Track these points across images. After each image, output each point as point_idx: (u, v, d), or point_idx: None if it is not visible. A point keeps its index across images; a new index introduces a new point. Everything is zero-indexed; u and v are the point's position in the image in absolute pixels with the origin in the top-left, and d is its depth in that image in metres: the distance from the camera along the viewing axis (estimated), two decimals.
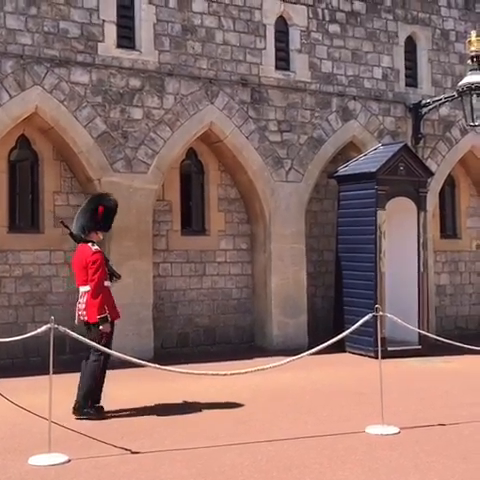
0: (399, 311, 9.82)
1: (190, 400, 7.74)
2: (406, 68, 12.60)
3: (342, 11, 11.90)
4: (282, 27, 11.54)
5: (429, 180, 11.80)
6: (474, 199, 13.91)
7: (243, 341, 11.46)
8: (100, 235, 7.34)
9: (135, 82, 10.39)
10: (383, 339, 9.98)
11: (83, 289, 7.11)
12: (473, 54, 11.34)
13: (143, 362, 6.18)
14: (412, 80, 12.70)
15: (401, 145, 11.30)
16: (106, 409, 7.06)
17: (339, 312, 11.24)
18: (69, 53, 9.96)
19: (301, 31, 11.58)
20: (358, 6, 12.04)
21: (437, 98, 12.26)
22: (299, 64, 11.55)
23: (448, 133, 12.91)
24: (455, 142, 12.99)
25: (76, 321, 7.21)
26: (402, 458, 5.58)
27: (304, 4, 11.59)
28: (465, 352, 8.37)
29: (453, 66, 12.93)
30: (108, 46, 10.22)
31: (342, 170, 11.67)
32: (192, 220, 11.44)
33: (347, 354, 10.71)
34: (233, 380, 7.75)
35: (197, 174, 11.48)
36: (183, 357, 10.04)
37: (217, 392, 8.03)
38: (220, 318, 11.37)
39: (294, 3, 11.51)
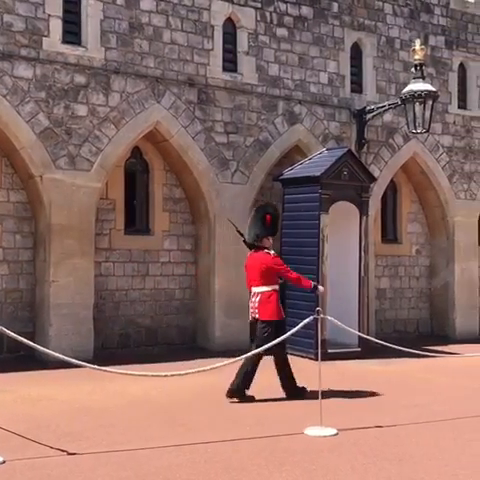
0: (340, 314, 9.93)
1: (129, 401, 7.67)
2: (351, 74, 12.75)
3: (290, 15, 11.98)
4: (230, 29, 11.54)
5: (372, 185, 11.97)
6: (415, 205, 14.17)
7: (185, 342, 11.43)
8: (270, 240, 8.15)
9: (80, 78, 10.25)
10: (323, 341, 10.06)
11: (257, 290, 7.94)
12: (417, 62, 11.55)
13: (81, 362, 6.09)
14: (357, 86, 12.86)
15: (345, 150, 11.43)
16: (47, 410, 6.95)
17: None
18: (13, 47, 9.76)
19: (249, 34, 11.61)
20: (306, 11, 12.14)
21: (381, 105, 12.44)
22: (246, 66, 11.58)
23: (391, 139, 13.13)
24: (398, 148, 13.22)
25: (250, 318, 8.05)
26: (339, 460, 5.63)
27: (252, 7, 11.62)
28: (403, 355, 8.50)
29: (397, 73, 13.15)
30: (53, 41, 10.05)
31: (287, 173, 11.74)
32: (136, 219, 11.35)
33: (288, 356, 10.73)
34: (173, 381, 7.71)
35: (142, 173, 11.40)
36: (124, 358, 9.95)
37: (157, 393, 7.98)
38: (162, 319, 11.31)
39: (242, 5, 11.53)
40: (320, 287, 8.53)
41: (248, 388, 7.78)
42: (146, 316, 11.17)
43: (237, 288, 11.32)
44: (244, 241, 8.28)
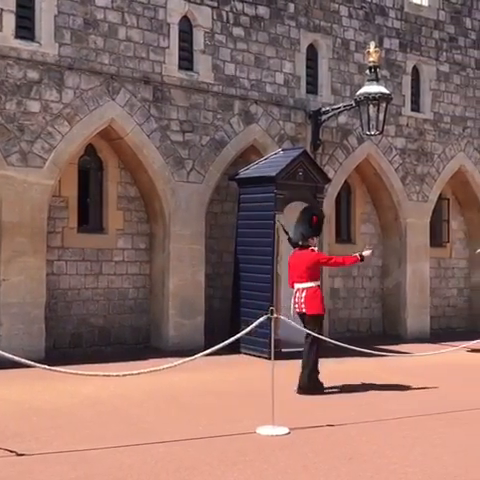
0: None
1: (81, 401, 7.59)
2: (307, 75, 12.81)
3: (246, 15, 11.99)
4: (186, 27, 11.50)
5: (326, 186, 12.07)
6: (368, 206, 14.33)
7: (139, 342, 11.34)
8: (315, 240, 8.67)
9: (33, 74, 10.08)
10: (277, 341, 10.10)
11: (301, 286, 8.44)
12: (371, 65, 11.69)
13: (32, 363, 5.99)
14: (312, 87, 12.94)
15: (300, 151, 11.49)
16: None
17: (236, 314, 11.31)
18: None
19: (205, 32, 11.58)
20: (262, 11, 12.16)
21: (336, 106, 12.54)
22: (202, 65, 11.55)
23: (345, 141, 13.25)
24: (352, 150, 13.34)
25: (292, 313, 8.50)
26: (291, 459, 5.66)
27: (209, 6, 11.60)
28: (356, 354, 8.58)
29: (352, 75, 13.27)
30: (6, 36, 9.87)
31: (243, 173, 11.76)
32: (89, 218, 11.22)
33: (242, 355, 10.79)
34: (126, 381, 7.64)
35: (96, 171, 11.28)
36: (76, 358, 9.83)
37: (109, 393, 7.91)
38: (115, 318, 11.21)
39: (199, 4, 11.50)
40: (366, 253, 8.89)
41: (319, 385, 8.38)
42: (99, 315, 11.05)
43: (192, 288, 11.32)
44: (289, 239, 8.93)
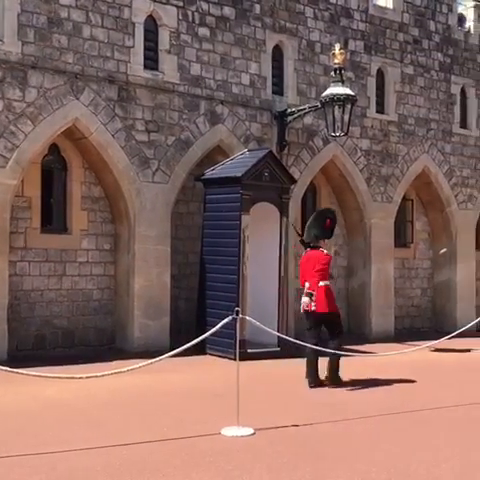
0: (260, 314, 10.01)
1: (43, 404, 7.49)
2: (273, 76, 12.84)
3: (212, 15, 11.97)
4: (152, 27, 11.44)
5: (292, 187, 12.10)
6: (334, 206, 14.16)
7: (103, 343, 11.25)
8: (326, 242, 9.03)
9: None
10: (243, 341, 10.13)
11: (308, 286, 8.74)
12: (336, 66, 11.75)
13: None
14: (278, 88, 12.97)
15: (266, 152, 11.50)
16: None
17: (202, 314, 11.28)
18: None
19: (171, 32, 11.53)
20: (228, 11, 12.15)
21: (301, 107, 12.59)
22: (168, 65, 11.50)
23: (311, 142, 13.30)
24: (317, 151, 13.40)
25: (301, 310, 8.90)
26: (255, 459, 5.65)
27: (174, 5, 11.55)
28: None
29: (318, 77, 13.33)
30: None
31: (209, 173, 11.73)
32: (53, 218, 11.10)
33: (208, 356, 10.76)
34: (90, 383, 7.56)
35: (60, 170, 11.16)
36: (39, 360, 9.70)
37: (72, 395, 7.82)
38: (80, 320, 11.10)
39: (164, 3, 11.44)
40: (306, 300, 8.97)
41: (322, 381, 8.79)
42: (63, 317, 10.94)
43: (157, 288, 11.26)
44: (301, 240, 9.29)
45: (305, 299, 8.75)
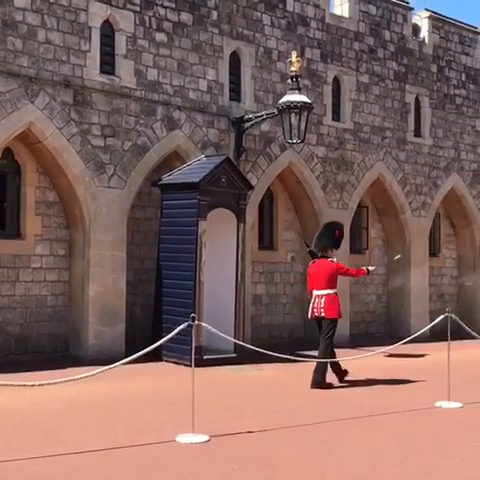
0: (217, 320, 10.00)
1: None
2: (230, 82, 12.87)
3: (169, 21, 11.94)
4: (108, 31, 11.36)
5: (249, 193, 12.12)
6: (290, 213, 14.50)
7: (57, 350, 11.10)
8: (334, 251, 9.55)
9: None
10: (199, 348, 10.10)
11: (320, 293, 9.28)
12: (293, 74, 11.83)
13: None
14: (236, 95, 13.00)
15: (223, 158, 11.52)
16: None
17: (158, 321, 11.21)
18: None
19: (127, 37, 11.47)
20: (185, 17, 12.14)
21: (259, 114, 12.64)
22: (124, 70, 11.43)
23: (268, 149, 13.36)
24: (274, 158, 13.47)
25: (309, 316, 9.46)
26: (210, 466, 5.63)
27: (131, 10, 11.50)
28: (277, 360, 8.62)
29: (274, 84, 13.40)
30: None
31: (166, 179, 11.69)
32: (6, 223, 10.92)
33: (164, 363, 10.70)
34: (43, 391, 7.44)
35: (13, 175, 10.98)
36: None
37: (25, 403, 7.70)
38: (33, 326, 10.93)
39: (121, 8, 11.38)
40: (371, 268, 9.97)
41: (345, 374, 9.42)
42: (16, 324, 10.76)
43: (112, 295, 11.16)
44: (309, 251, 9.74)
45: (313, 306, 9.35)
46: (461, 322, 9.32)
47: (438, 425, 7.26)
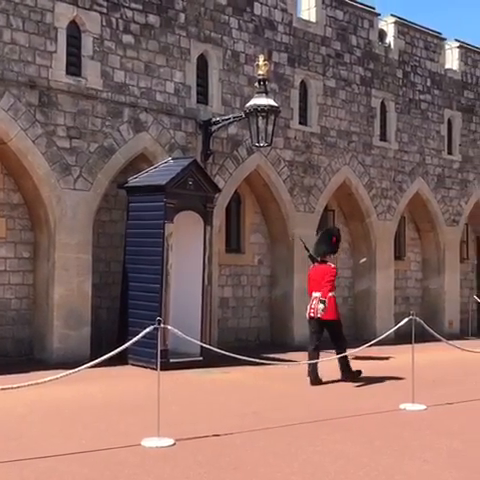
0: (183, 323, 9.98)
1: None
2: (198, 85, 12.86)
3: (136, 23, 11.89)
4: (75, 32, 11.28)
5: (216, 196, 12.12)
6: (258, 216, 14.53)
7: (21, 354, 10.96)
8: (332, 257, 10.18)
9: None
10: (165, 351, 10.08)
11: (319, 295, 9.75)
12: (260, 78, 11.86)
13: None
14: (203, 97, 12.99)
15: (191, 160, 11.50)
16: None
17: (123, 324, 11.13)
18: None
19: (94, 38, 11.39)
20: (152, 19, 12.10)
21: (226, 117, 12.64)
22: (91, 71, 11.35)
23: (236, 152, 13.37)
24: (242, 161, 13.49)
25: (307, 317, 9.97)
26: (175, 470, 5.61)
27: (98, 12, 11.43)
28: (243, 363, 8.63)
29: (242, 87, 13.43)
30: None
31: (132, 181, 11.63)
32: None
33: (130, 366, 10.63)
34: (6, 395, 7.30)
35: None
36: None
37: None
38: None
39: (88, 9, 11.30)
40: (362, 260, 10.87)
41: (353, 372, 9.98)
42: None
43: (78, 298, 11.07)
44: (310, 255, 10.34)
45: (320, 305, 9.70)
46: (425, 325, 9.42)
47: (402, 427, 7.32)
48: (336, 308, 9.99)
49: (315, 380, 9.66)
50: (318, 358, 9.77)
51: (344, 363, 9.94)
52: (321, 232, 10.78)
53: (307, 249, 10.62)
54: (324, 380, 9.74)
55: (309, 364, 9.68)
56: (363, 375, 10.21)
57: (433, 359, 11.91)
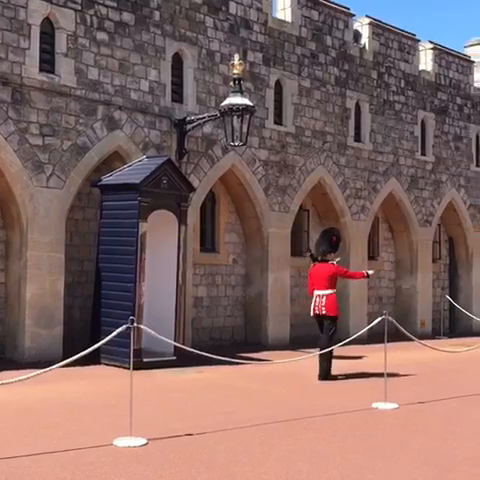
0: (157, 322, 9.97)
1: None
2: (173, 84, 12.82)
3: (111, 20, 11.82)
4: (48, 29, 11.17)
5: (191, 195, 12.09)
6: (232, 215, 14.53)
7: None
8: (332, 255, 10.50)
9: None
10: (139, 350, 10.04)
11: (322, 292, 10.24)
12: (235, 77, 11.85)
13: None
14: (178, 96, 12.95)
15: (165, 159, 11.45)
16: None
17: (96, 323, 11.05)
18: None
19: (68, 35, 11.30)
20: (127, 17, 12.04)
21: (201, 116, 12.62)
22: (64, 68, 11.26)
23: (210, 151, 13.35)
24: (217, 160, 13.47)
25: (311, 314, 10.38)
26: (147, 470, 5.58)
27: (72, 9, 11.33)
28: (217, 362, 8.62)
29: (217, 86, 13.41)
30: None
31: (106, 179, 11.55)
32: None
33: (103, 366, 10.56)
34: None
35: None
36: None
37: None
38: None
39: (62, 6, 11.20)
40: (370, 271, 10.92)
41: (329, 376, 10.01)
42: None
43: (50, 297, 10.97)
44: (311, 255, 10.82)
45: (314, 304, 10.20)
46: (398, 324, 9.48)
47: (375, 426, 7.36)
48: (338, 305, 10.36)
49: (322, 376, 10.06)
50: (332, 354, 10.11)
51: (325, 363, 10.08)
52: (321, 232, 11.21)
53: (308, 249, 11.02)
54: (299, 378, 9.74)
55: (320, 361, 10.06)
56: (336, 373, 10.26)
57: (405, 358, 12.00)
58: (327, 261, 10.45)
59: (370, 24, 16.69)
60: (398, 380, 9.77)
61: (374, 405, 8.30)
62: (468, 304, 18.70)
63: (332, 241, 10.57)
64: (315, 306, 10.29)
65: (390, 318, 9.21)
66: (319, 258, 10.52)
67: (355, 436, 6.88)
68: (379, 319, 9.38)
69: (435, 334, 17.68)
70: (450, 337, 17.41)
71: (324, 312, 10.20)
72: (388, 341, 8.97)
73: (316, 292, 10.36)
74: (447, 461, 6.06)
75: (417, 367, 11.40)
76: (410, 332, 10.21)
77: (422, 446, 6.54)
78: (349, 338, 10.02)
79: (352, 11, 16.16)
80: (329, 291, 10.25)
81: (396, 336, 10.59)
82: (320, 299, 10.25)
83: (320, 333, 10.39)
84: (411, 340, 9.76)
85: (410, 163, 17.52)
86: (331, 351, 9.91)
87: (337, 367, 10.44)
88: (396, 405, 8.30)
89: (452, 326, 19.10)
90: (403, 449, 6.42)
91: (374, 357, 10.94)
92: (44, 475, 5.37)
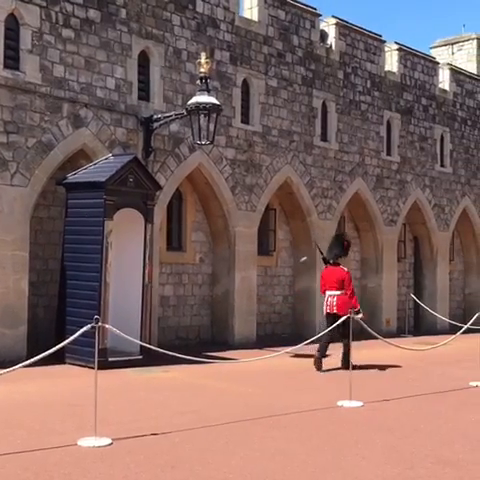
0: (123, 321, 9.91)
1: None
2: (139, 81, 12.74)
3: (77, 17, 11.70)
4: (13, 25, 11.02)
5: (158, 193, 12.05)
6: (199, 214, 14.51)
7: None
8: (343, 260, 11.47)
9: None
10: (104, 350, 9.98)
11: (333, 293, 11.10)
12: (202, 75, 11.82)
13: None
14: (145, 94, 12.88)
15: (131, 157, 11.40)
16: None
17: (61, 323, 10.96)
18: None
19: (33, 32, 11.16)
20: (93, 14, 11.93)
21: (168, 114, 12.57)
22: (29, 65, 11.12)
23: (177, 149, 13.31)
24: (184, 158, 13.43)
25: (324, 313, 11.27)
26: (112, 469, 5.54)
27: (37, 5, 11.19)
28: (184, 362, 8.59)
29: (184, 85, 13.36)
30: None
31: (71, 178, 11.46)
32: None
33: (67, 366, 10.47)
34: None
35: None
36: None
37: None
38: None
39: (27, 2, 11.06)
40: (360, 315, 10.71)
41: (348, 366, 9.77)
42: None
43: (14, 296, 10.84)
44: (323, 258, 11.61)
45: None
46: (363, 323, 9.56)
47: (340, 424, 7.42)
48: (349, 305, 10.75)
49: (319, 368, 10.77)
50: (326, 350, 10.90)
51: (347, 354, 10.56)
52: (333, 237, 12.37)
53: (321, 252, 11.96)
54: (266, 377, 9.76)
55: (318, 353, 10.79)
56: (300, 372, 10.32)
57: (371, 356, 12.10)
58: (339, 264, 11.32)
59: (336, 24, 16.78)
60: (363, 378, 9.85)
61: (339, 403, 8.37)
62: (433, 303, 18.92)
63: (344, 246, 11.50)
64: (327, 305, 11.13)
65: (355, 317, 9.29)
66: (331, 261, 11.35)
67: (320, 434, 6.92)
68: (344, 318, 9.47)
69: (400, 332, 17.88)
70: (415, 335, 17.63)
71: (335, 311, 10.89)
72: (354, 340, 9.04)
73: (328, 292, 11.17)
74: (410, 458, 6.13)
75: (382, 365, 11.52)
76: (375, 331, 10.30)
77: (386, 443, 6.61)
78: (315, 336, 10.09)
79: (319, 11, 16.25)
80: (339, 292, 11.04)
81: (361, 334, 10.69)
82: (332, 299, 11.07)
83: (326, 329, 10.55)
84: (376, 338, 9.84)
85: (376, 163, 17.67)
86: (349, 343, 10.25)
87: (302, 365, 10.50)
88: (361, 403, 8.37)
89: (417, 324, 19.32)
90: (367, 447, 6.48)
91: (340, 355, 11.02)
92: (7, 476, 5.30)
